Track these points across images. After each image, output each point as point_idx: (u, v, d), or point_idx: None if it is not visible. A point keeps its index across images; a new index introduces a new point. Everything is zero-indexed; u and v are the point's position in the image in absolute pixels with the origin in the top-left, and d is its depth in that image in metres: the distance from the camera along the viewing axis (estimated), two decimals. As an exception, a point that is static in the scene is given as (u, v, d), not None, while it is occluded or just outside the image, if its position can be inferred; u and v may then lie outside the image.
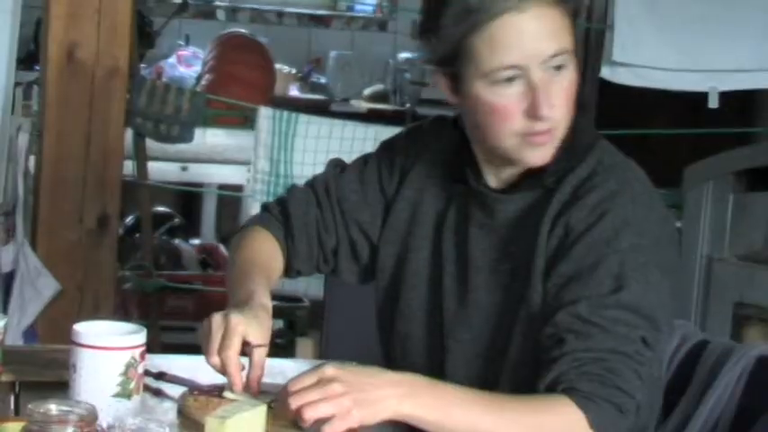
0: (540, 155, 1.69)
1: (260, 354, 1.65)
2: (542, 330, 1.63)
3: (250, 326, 1.64)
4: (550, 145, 1.68)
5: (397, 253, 1.84)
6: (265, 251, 1.85)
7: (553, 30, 1.64)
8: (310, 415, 1.52)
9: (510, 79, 1.64)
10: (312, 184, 1.90)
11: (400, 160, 1.86)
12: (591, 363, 1.57)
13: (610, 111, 4.77)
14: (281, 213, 1.89)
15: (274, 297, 4.63)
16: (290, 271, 1.90)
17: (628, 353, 1.58)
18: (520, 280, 1.70)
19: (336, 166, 1.92)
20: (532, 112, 1.64)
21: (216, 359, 1.64)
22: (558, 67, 1.65)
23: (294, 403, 1.53)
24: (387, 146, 1.90)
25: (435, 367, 1.78)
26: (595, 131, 1.77)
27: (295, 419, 1.55)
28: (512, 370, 1.70)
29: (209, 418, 1.52)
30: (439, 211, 1.81)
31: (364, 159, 1.90)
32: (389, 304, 1.85)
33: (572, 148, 1.71)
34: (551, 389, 1.59)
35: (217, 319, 1.65)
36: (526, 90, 1.64)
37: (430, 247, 1.80)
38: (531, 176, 1.72)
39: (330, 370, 1.54)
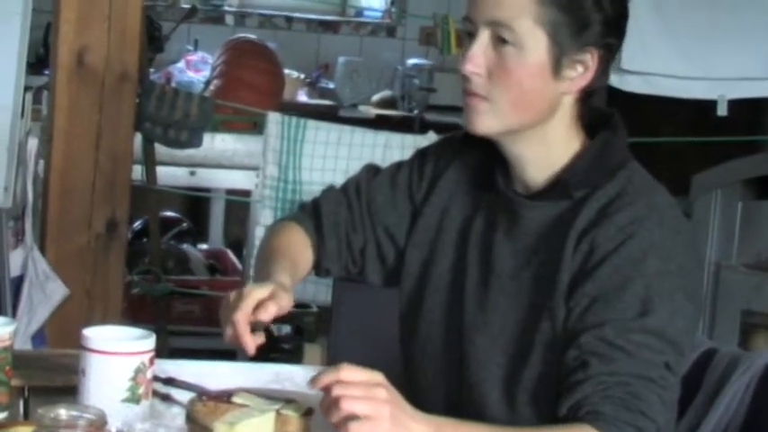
0: (468, 121, 1.72)
1: (282, 298, 1.66)
2: (565, 351, 1.64)
3: (265, 292, 1.65)
4: (477, 112, 1.70)
5: (423, 258, 1.85)
6: (294, 243, 1.88)
7: None
8: (347, 407, 1.49)
9: (468, 34, 1.70)
10: (345, 185, 1.93)
11: (431, 167, 1.88)
12: (615, 386, 1.58)
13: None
14: (312, 212, 1.92)
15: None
16: (319, 269, 1.92)
17: (652, 378, 1.59)
18: (543, 291, 1.70)
19: (370, 169, 1.94)
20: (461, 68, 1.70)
21: (229, 330, 1.64)
22: (504, 41, 1.66)
23: (337, 391, 1.51)
24: (420, 153, 1.92)
25: (453, 371, 1.79)
26: (627, 152, 1.76)
27: (329, 404, 1.52)
28: (532, 379, 1.69)
29: (218, 424, 1.52)
30: (466, 217, 1.82)
31: (398, 165, 1.93)
32: (413, 309, 1.86)
33: (601, 164, 1.71)
34: (574, 410, 1.59)
35: (231, 293, 1.67)
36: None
37: (455, 253, 1.81)
38: (559, 184, 1.72)
39: (380, 377, 1.53)
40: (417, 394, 1.81)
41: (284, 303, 1.66)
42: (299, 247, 1.88)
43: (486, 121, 1.71)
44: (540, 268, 1.71)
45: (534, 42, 1.66)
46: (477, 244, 1.79)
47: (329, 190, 1.95)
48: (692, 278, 1.68)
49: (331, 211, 1.90)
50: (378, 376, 1.53)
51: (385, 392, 1.51)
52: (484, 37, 1.68)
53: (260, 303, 1.65)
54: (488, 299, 1.75)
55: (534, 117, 1.71)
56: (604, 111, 1.77)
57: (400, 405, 1.53)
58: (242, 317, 1.63)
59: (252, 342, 1.64)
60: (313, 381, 1.54)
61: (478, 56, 1.68)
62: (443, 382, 1.81)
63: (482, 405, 1.73)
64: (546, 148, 1.73)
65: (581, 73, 1.69)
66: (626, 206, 1.67)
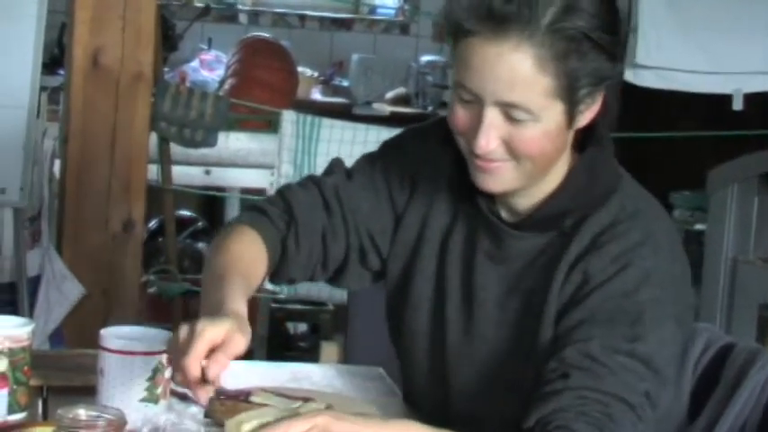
0: (483, 181, 1.61)
1: (236, 342, 1.48)
2: (545, 364, 1.55)
3: (219, 329, 1.48)
4: (498, 177, 1.59)
5: (403, 269, 1.76)
6: (248, 255, 1.70)
7: (513, 79, 1.52)
8: None
9: (467, 101, 1.57)
10: (318, 186, 1.78)
11: (410, 171, 1.77)
12: (593, 404, 1.50)
13: (633, 113, 4.76)
14: (284, 219, 1.76)
15: (299, 301, 4.61)
16: (280, 277, 1.78)
17: (632, 403, 1.51)
18: (531, 322, 1.62)
19: (341, 167, 1.81)
20: (470, 143, 1.59)
21: (179, 376, 1.48)
22: (516, 120, 1.55)
23: None
24: (393, 150, 1.80)
25: (439, 391, 1.72)
26: (616, 169, 1.67)
27: None
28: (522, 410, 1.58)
29: (228, 421, 1.50)
30: (444, 228, 1.72)
31: (370, 162, 1.79)
32: (395, 318, 1.79)
33: (591, 190, 1.63)
34: (543, 424, 1.49)
35: (183, 328, 1.49)
36: (479, 116, 1.56)
37: (434, 266, 1.72)
38: (548, 216, 1.64)
39: (323, 420, 1.40)
40: (413, 396, 1.80)
41: (238, 349, 1.49)
42: (255, 260, 1.71)
43: (507, 182, 1.60)
44: (526, 298, 1.64)
45: (551, 112, 1.55)
46: (458, 263, 1.70)
47: (297, 190, 1.78)
48: (685, 305, 1.62)
49: (307, 218, 1.75)
50: (320, 417, 1.40)
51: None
52: (493, 115, 1.55)
53: (213, 347, 1.48)
54: (473, 327, 1.68)
55: (553, 165, 1.62)
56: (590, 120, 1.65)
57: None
58: (193, 363, 1.46)
59: (204, 393, 1.48)
60: None
61: (491, 134, 1.56)
62: (431, 396, 1.75)
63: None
64: (540, 179, 1.64)
65: (591, 106, 1.59)
66: (619, 236, 1.59)
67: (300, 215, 1.75)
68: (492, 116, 1.55)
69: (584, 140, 1.66)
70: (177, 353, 1.48)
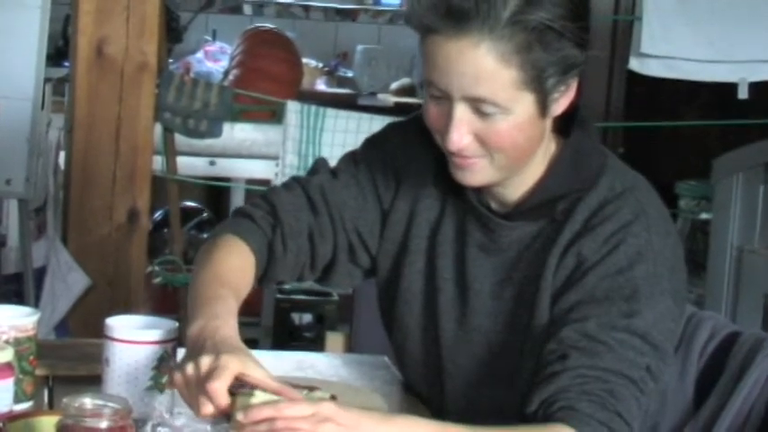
0: (462, 177, 1.62)
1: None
2: (544, 346, 1.56)
3: (246, 364, 1.46)
4: (475, 172, 1.60)
5: (393, 265, 1.77)
6: (237, 268, 1.69)
7: (477, 74, 1.53)
8: None
9: (437, 97, 1.58)
10: (303, 186, 1.78)
11: (394, 166, 1.77)
12: (594, 381, 1.51)
13: (639, 102, 4.76)
14: (270, 222, 1.75)
15: (304, 291, 4.61)
16: (269, 280, 1.78)
17: (632, 378, 1.53)
18: (525, 310, 1.64)
19: (326, 167, 1.81)
20: (444, 139, 1.59)
21: (208, 407, 1.44)
22: (486, 114, 1.55)
23: (280, 424, 1.38)
24: (376, 147, 1.80)
25: (434, 388, 1.73)
26: (600, 150, 1.68)
27: None
28: (520, 398, 1.59)
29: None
30: (432, 222, 1.73)
31: (353, 160, 1.80)
32: (387, 316, 1.80)
33: (579, 174, 1.64)
34: (547, 405, 1.51)
35: (204, 361, 1.46)
36: (449, 113, 1.57)
37: (424, 261, 1.73)
38: (538, 204, 1.64)
39: (328, 408, 1.40)
40: (410, 388, 1.80)
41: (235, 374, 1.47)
42: (244, 272, 1.70)
43: (485, 177, 1.61)
44: (520, 287, 1.65)
45: (520, 104, 1.55)
46: (450, 255, 1.71)
47: (281, 193, 1.78)
48: (679, 279, 1.63)
49: (293, 220, 1.75)
50: (325, 407, 1.40)
51: (333, 428, 1.39)
52: (463, 110, 1.56)
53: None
54: (468, 317, 1.69)
55: (530, 157, 1.63)
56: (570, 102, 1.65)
57: (356, 429, 1.40)
58: (223, 390, 1.44)
59: (227, 411, 1.45)
60: (247, 414, 1.39)
61: (462, 129, 1.56)
62: (427, 388, 1.76)
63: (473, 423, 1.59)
64: (524, 169, 1.64)
65: (565, 93, 1.59)
66: (610, 216, 1.60)
67: (285, 217, 1.75)
68: (461, 111, 1.56)
69: (566, 124, 1.66)
70: (201, 381, 1.45)
